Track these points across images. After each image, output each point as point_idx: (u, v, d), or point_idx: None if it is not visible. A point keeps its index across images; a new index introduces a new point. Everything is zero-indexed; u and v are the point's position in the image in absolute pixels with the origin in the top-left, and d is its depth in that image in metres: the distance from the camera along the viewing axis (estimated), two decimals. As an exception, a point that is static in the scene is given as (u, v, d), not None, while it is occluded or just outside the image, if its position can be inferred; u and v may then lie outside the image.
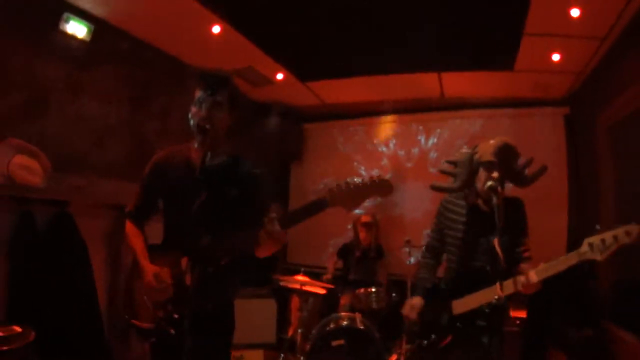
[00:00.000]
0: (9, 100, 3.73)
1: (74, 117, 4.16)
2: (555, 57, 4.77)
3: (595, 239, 2.49)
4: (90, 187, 4.14)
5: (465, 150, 3.03)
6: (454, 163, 3.05)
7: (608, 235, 2.46)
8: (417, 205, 6.38)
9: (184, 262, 2.35)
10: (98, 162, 4.31)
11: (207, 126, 2.33)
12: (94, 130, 4.30)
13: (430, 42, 4.77)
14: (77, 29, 4.10)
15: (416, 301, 3.11)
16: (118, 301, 4.37)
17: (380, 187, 2.23)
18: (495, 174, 2.81)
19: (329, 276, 5.72)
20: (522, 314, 4.73)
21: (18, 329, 2.96)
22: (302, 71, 5.73)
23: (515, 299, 3.42)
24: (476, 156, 2.92)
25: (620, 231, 2.44)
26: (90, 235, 4.13)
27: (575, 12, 3.92)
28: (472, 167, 2.95)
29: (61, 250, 3.89)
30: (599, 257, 2.47)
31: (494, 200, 2.67)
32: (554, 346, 4.59)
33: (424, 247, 3.47)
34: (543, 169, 2.94)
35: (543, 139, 5.74)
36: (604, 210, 4.78)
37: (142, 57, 4.72)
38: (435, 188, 3.17)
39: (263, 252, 2.36)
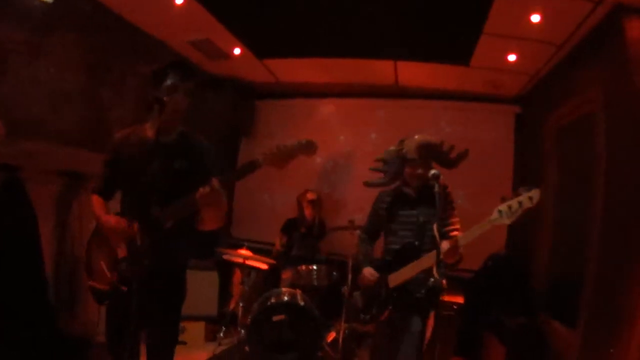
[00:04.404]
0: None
1: (30, 81, 4.03)
2: (511, 57, 4.88)
3: (503, 207, 2.75)
4: (42, 153, 4.03)
5: (392, 148, 3.40)
6: (382, 160, 3.45)
7: (514, 202, 2.72)
8: (361, 188, 6.43)
9: (135, 227, 2.58)
10: (52, 128, 4.20)
11: (165, 98, 2.54)
12: (50, 96, 4.18)
13: (389, 30, 4.81)
14: (39, -11, 3.96)
15: (370, 270, 3.37)
16: (65, 268, 4.34)
17: (306, 147, 2.56)
18: (419, 170, 3.21)
19: (278, 248, 5.86)
20: (459, 299, 4.87)
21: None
22: (260, 48, 5.68)
23: (452, 285, 3.66)
24: (402, 151, 3.28)
25: (524, 197, 2.70)
26: (40, 201, 4.04)
27: (535, 18, 4.05)
28: (399, 161, 3.33)
29: (9, 215, 3.80)
30: (507, 222, 2.73)
31: (436, 188, 2.86)
32: (488, 332, 4.77)
33: (360, 229, 3.84)
34: (464, 153, 3.34)
35: (493, 135, 5.87)
36: (545, 206, 4.94)
37: (102, 23, 4.59)
38: (368, 184, 3.59)
39: (207, 223, 2.73)
